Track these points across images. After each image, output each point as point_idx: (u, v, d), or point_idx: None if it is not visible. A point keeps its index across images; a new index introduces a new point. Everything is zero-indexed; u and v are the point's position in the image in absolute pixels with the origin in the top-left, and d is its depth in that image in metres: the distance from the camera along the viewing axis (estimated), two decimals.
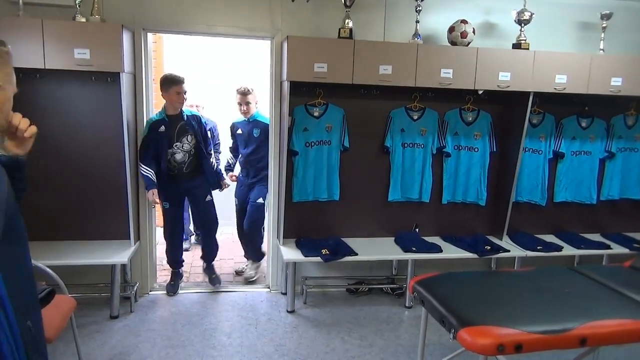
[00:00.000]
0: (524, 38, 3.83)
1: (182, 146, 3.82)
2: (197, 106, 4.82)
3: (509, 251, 3.91)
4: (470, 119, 4.10)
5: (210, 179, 4.01)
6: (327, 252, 3.65)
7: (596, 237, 4.31)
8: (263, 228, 4.40)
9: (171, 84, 3.73)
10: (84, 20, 3.30)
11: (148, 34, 3.74)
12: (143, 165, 3.69)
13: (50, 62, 3.16)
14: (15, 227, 1.13)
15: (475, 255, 3.81)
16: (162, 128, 3.72)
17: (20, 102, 1.35)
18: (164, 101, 3.81)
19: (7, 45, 1.24)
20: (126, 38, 3.37)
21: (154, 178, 3.73)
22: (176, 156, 3.82)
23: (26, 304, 1.16)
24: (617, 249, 4.05)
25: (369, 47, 3.55)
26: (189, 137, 3.84)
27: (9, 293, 1.04)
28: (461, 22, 3.72)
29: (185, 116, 3.85)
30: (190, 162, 3.89)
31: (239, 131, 4.34)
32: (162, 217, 4.08)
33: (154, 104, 4.02)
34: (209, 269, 4.20)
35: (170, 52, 5.84)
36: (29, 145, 1.37)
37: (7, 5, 3.35)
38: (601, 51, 4.02)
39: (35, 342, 1.18)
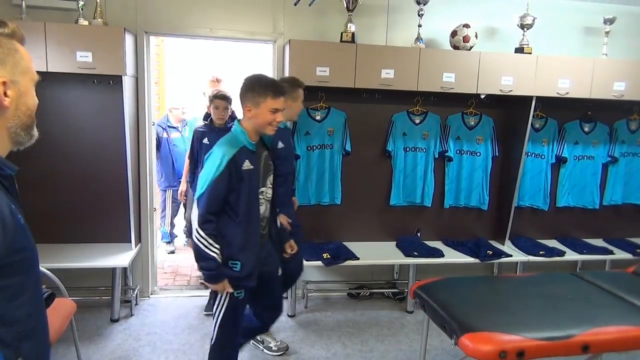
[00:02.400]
0: (527, 42, 3.83)
1: (267, 192, 2.44)
2: (182, 108, 4.82)
3: (511, 256, 3.89)
4: (473, 123, 4.09)
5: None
6: (329, 256, 3.64)
7: (599, 242, 4.29)
8: None
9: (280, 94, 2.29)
10: (86, 23, 3.31)
11: (150, 37, 3.75)
12: (208, 236, 2.23)
13: (53, 65, 3.17)
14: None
15: (477, 260, 3.80)
16: (247, 164, 2.26)
17: None
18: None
19: (8, 24, 1.08)
20: (128, 41, 3.37)
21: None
22: (261, 207, 2.41)
23: (16, 337, 1.05)
24: (620, 255, 4.03)
25: (371, 51, 3.54)
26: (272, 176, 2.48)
27: None
28: (464, 26, 3.72)
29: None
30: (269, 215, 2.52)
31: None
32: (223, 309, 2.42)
33: (156, 107, 4.02)
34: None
35: (172, 56, 5.86)
36: None
37: (9, 8, 3.36)
38: (604, 56, 4.01)
39: None
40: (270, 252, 2.53)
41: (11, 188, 1.11)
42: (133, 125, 3.60)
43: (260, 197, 2.37)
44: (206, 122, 3.61)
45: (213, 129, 3.52)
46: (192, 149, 3.63)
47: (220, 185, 2.19)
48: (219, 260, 2.26)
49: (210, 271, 2.27)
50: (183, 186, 4.05)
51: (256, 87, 2.24)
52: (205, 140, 3.49)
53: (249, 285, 2.34)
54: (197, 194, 2.24)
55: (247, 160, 2.25)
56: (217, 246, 2.23)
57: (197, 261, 2.32)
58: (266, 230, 2.48)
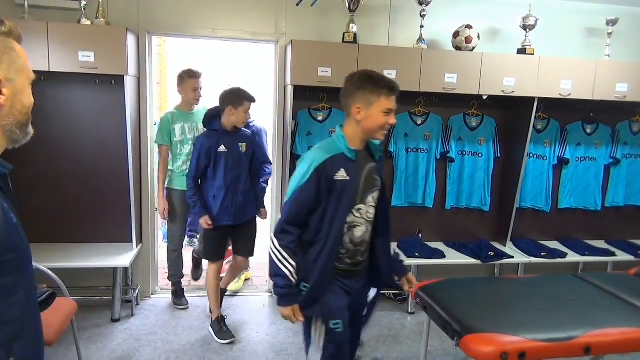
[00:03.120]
0: (529, 43, 3.82)
1: (368, 212, 2.04)
2: None
3: (512, 257, 3.88)
4: (475, 124, 4.08)
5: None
6: None
7: (601, 244, 4.27)
8: None
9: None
10: (88, 23, 3.31)
11: (152, 37, 3.75)
12: (282, 248, 1.95)
13: (55, 65, 3.17)
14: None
15: (478, 262, 3.79)
16: (342, 173, 1.93)
17: None
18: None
19: (5, 23, 1.06)
20: (131, 41, 3.37)
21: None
22: (359, 228, 2.03)
23: (8, 337, 1.04)
24: (622, 256, 4.02)
25: (373, 51, 3.54)
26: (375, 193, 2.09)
27: None
28: (466, 27, 3.71)
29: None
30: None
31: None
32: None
33: (158, 107, 4.02)
34: None
35: (174, 56, 5.87)
36: None
37: (12, 8, 3.37)
38: (607, 57, 4.01)
39: None
40: (365, 287, 2.16)
41: (5, 187, 1.11)
42: (135, 125, 3.60)
43: (358, 215, 1.98)
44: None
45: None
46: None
47: (304, 195, 1.89)
48: (292, 279, 1.92)
49: (280, 289, 1.95)
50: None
51: (368, 84, 1.91)
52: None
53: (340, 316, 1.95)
54: (286, 200, 1.97)
55: (342, 169, 1.90)
56: (292, 262, 1.91)
57: (270, 275, 2.02)
58: (365, 257, 2.08)
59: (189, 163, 3.49)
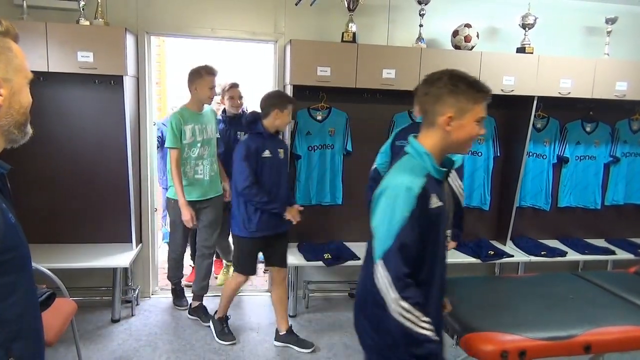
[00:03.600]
0: (529, 42, 3.82)
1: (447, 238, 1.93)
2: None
3: (512, 256, 3.88)
4: None
5: None
6: (330, 257, 3.64)
7: (601, 242, 4.27)
8: None
9: None
10: (87, 23, 3.31)
11: (151, 37, 3.74)
12: (414, 307, 1.50)
13: (54, 65, 3.17)
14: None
15: (478, 261, 3.79)
16: (436, 200, 1.71)
17: None
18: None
19: (2, 22, 1.04)
20: (129, 41, 3.37)
21: None
22: None
23: (7, 337, 1.04)
24: (622, 255, 4.02)
25: (373, 51, 3.54)
26: None
27: None
28: (465, 26, 3.71)
29: None
30: None
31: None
32: None
33: (157, 108, 4.02)
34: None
35: (173, 56, 5.86)
36: None
37: (11, 8, 3.37)
38: (606, 55, 4.01)
39: None
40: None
41: (3, 187, 1.11)
42: (134, 125, 3.59)
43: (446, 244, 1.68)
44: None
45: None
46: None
47: (412, 232, 1.48)
48: (437, 337, 1.51)
49: (434, 357, 1.50)
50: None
51: (462, 87, 1.53)
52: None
53: None
54: (378, 251, 1.52)
55: (435, 195, 1.53)
56: (427, 318, 1.47)
57: (392, 348, 1.53)
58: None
59: (197, 168, 3.41)
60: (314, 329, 3.58)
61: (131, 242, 3.64)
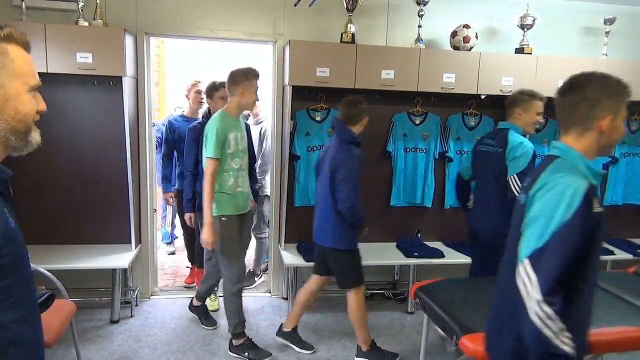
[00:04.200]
0: (527, 43, 3.83)
1: None
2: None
3: None
4: (473, 123, 4.08)
5: None
6: None
7: None
8: None
9: None
10: (86, 24, 3.31)
11: (150, 38, 3.74)
12: (558, 316, 1.35)
13: (53, 67, 3.17)
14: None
15: None
16: (597, 205, 1.67)
17: None
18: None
19: (5, 28, 1.03)
20: (128, 42, 3.37)
21: None
22: None
23: (3, 341, 1.03)
24: (621, 255, 4.01)
25: (371, 51, 3.54)
26: None
27: None
28: (464, 26, 3.72)
29: None
30: None
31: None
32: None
33: (157, 108, 4.02)
34: None
35: (172, 57, 5.87)
36: None
37: (10, 9, 3.36)
38: (604, 56, 4.01)
39: None
40: None
41: (5, 191, 1.10)
42: (133, 126, 3.59)
43: None
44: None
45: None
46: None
47: (575, 237, 1.34)
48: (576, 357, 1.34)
49: None
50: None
51: (614, 87, 1.61)
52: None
53: None
54: (525, 250, 1.39)
55: (597, 199, 1.43)
56: (569, 335, 1.32)
57: (520, 358, 1.43)
58: None
59: (238, 180, 3.05)
60: (313, 329, 3.58)
61: (130, 243, 3.63)
